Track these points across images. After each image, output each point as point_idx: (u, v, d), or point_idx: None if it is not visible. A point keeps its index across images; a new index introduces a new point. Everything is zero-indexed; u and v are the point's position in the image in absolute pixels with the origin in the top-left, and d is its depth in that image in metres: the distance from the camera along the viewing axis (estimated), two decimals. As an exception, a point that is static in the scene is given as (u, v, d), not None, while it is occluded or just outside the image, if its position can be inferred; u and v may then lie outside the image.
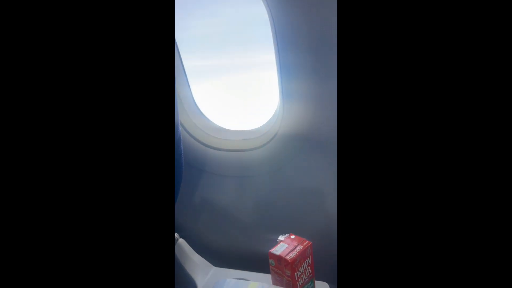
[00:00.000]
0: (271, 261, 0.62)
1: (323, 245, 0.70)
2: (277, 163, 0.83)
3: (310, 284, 0.63)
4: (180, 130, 0.76)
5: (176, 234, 0.80)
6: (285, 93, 0.79)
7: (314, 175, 0.79)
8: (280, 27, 0.71)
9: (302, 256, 0.60)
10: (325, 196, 0.75)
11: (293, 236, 0.65)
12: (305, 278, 0.61)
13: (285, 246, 0.62)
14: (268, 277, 0.66)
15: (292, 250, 0.60)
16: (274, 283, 0.63)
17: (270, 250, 0.62)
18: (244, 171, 0.89)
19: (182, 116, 0.95)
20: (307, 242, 0.62)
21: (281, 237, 0.65)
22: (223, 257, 0.85)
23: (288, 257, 0.58)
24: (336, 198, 0.35)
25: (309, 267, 0.62)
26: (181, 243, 0.79)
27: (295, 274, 0.59)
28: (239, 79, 1.08)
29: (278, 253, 0.60)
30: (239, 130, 0.95)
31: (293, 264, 0.58)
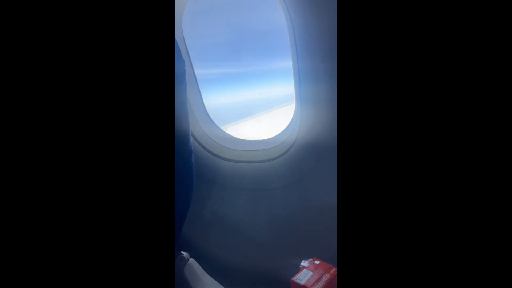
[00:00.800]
0: (294, 291, 0.55)
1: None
2: (295, 175, 0.77)
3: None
4: (191, 143, 0.71)
5: (186, 254, 0.74)
6: (304, 100, 0.73)
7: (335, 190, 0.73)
8: (300, 32, 0.66)
9: (329, 286, 0.53)
10: None
11: (317, 262, 0.58)
12: (332, 310, 0.54)
13: (309, 273, 0.55)
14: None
15: (318, 280, 0.53)
16: (297, 315, 0.56)
17: (292, 279, 0.55)
18: (259, 183, 0.83)
19: (193, 126, 0.90)
20: (334, 269, 0.55)
21: (304, 263, 0.58)
22: (237, 279, 0.79)
23: (314, 288, 0.52)
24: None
25: (336, 298, 0.55)
26: (192, 264, 0.73)
27: (322, 307, 0.52)
28: (252, 87, 1.04)
29: (302, 282, 0.53)
30: (253, 140, 0.90)
31: (319, 296, 0.51)
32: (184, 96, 0.67)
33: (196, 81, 0.90)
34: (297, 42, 0.68)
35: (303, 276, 0.55)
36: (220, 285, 0.73)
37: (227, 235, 0.87)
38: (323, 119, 0.70)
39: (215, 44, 0.97)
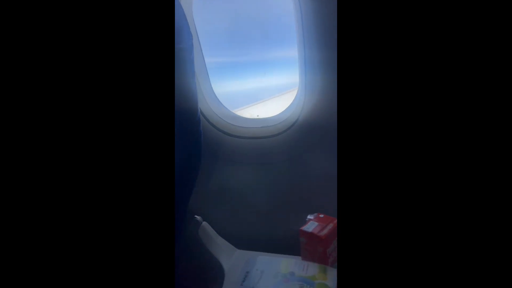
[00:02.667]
0: (302, 239, 0.63)
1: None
2: (297, 149, 0.84)
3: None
4: (199, 114, 0.77)
5: (199, 217, 0.81)
6: (308, 88, 0.80)
7: (335, 164, 0.80)
8: (308, 23, 0.72)
9: (333, 233, 0.62)
10: None
11: (321, 215, 0.67)
12: (335, 255, 0.63)
13: (315, 224, 0.63)
14: (292, 259, 0.67)
15: (324, 228, 0.62)
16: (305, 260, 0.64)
17: (301, 228, 0.63)
18: (263, 158, 0.90)
19: (201, 104, 0.95)
20: (336, 220, 0.64)
21: (310, 216, 0.67)
22: (244, 243, 0.85)
23: (320, 234, 0.60)
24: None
25: (338, 245, 0.64)
26: (205, 226, 0.80)
27: (327, 250, 0.60)
28: (256, 76, 1.10)
29: (310, 230, 0.62)
30: (257, 118, 0.97)
31: (325, 241, 0.60)
32: (192, 67, 0.72)
33: (204, 62, 0.96)
34: (305, 33, 0.74)
35: (310, 226, 0.63)
36: (231, 245, 0.80)
37: (232, 204, 0.93)
38: (325, 99, 0.76)
39: (223, 33, 1.02)
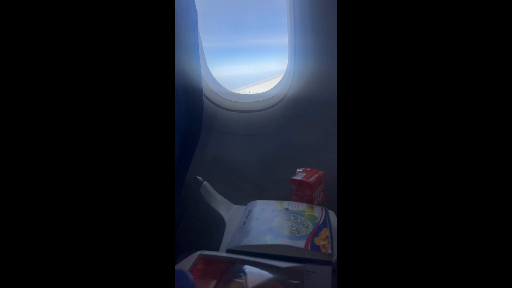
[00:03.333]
0: (293, 186, 0.76)
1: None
2: (284, 122, 0.96)
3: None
4: (202, 84, 0.87)
5: (201, 178, 0.91)
6: (297, 70, 0.92)
7: (318, 133, 0.93)
8: (300, 12, 0.83)
9: (318, 181, 0.75)
10: (325, 152, 0.91)
11: (308, 168, 0.80)
12: (319, 200, 0.77)
13: (303, 174, 0.77)
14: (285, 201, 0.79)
15: (311, 176, 0.75)
16: (293, 206, 0.77)
17: (292, 177, 0.76)
18: (253, 130, 1.01)
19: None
20: (321, 171, 0.78)
21: (299, 169, 0.80)
22: (239, 201, 0.96)
23: (309, 181, 0.74)
24: (336, 154, 0.42)
25: (322, 192, 0.78)
26: (206, 185, 0.91)
27: (313, 194, 0.74)
28: (248, 62, 1.20)
29: (299, 178, 0.75)
30: (249, 94, 1.08)
31: (312, 186, 0.73)
32: (196, 41, 0.81)
33: (201, 43, 1.05)
34: (296, 21, 0.84)
35: (299, 175, 0.76)
36: (230, 202, 0.92)
37: (224, 171, 1.03)
38: (313, 80, 0.89)
39: (219, 19, 1.11)
